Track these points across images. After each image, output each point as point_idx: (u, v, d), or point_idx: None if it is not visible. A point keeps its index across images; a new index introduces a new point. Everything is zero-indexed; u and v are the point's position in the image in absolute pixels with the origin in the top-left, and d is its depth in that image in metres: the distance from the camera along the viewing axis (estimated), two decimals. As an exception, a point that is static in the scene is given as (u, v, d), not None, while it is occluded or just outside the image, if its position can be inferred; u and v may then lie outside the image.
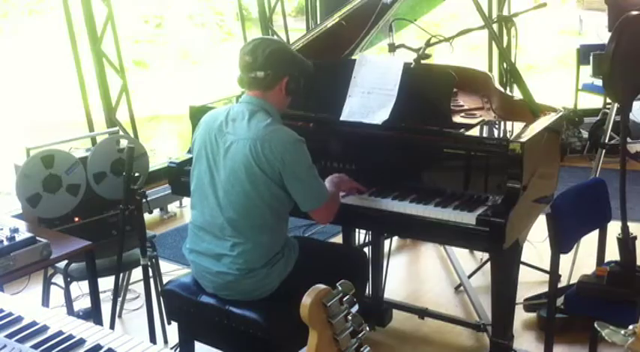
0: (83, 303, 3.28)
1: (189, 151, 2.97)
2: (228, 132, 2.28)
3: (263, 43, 2.29)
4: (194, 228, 2.39)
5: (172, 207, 4.97)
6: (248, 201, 2.23)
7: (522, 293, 3.23)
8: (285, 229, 2.39)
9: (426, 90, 2.58)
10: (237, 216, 2.25)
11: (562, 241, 2.38)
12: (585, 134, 5.76)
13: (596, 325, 1.51)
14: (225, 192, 2.26)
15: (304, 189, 2.27)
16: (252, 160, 2.19)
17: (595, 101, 5.92)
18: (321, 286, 1.25)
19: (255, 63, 2.26)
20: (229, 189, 2.25)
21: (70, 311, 2.93)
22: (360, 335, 1.30)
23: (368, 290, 2.99)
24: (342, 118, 2.61)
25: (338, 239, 4.03)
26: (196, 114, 2.92)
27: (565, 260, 2.74)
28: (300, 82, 2.36)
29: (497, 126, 2.67)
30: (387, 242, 3.19)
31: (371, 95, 2.59)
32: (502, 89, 2.91)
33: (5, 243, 2.25)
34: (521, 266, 2.67)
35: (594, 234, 2.63)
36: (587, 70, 5.67)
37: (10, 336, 1.45)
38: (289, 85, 2.32)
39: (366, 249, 3.04)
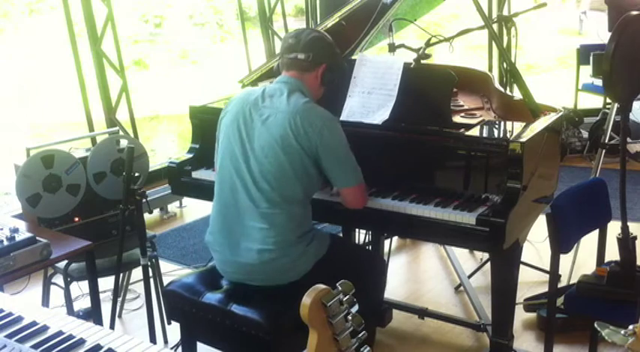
0: (83, 303, 3.28)
1: (190, 151, 2.97)
2: (265, 107, 2.32)
3: (308, 29, 2.42)
4: (222, 208, 2.37)
5: (172, 207, 4.96)
6: (281, 173, 2.26)
7: (522, 293, 3.23)
8: (310, 211, 2.40)
9: (426, 90, 2.58)
10: (270, 188, 2.27)
11: (562, 241, 2.38)
12: (585, 134, 5.76)
13: (596, 325, 1.51)
14: (259, 164, 2.28)
15: (340, 166, 2.31)
16: (291, 132, 2.23)
17: (595, 101, 5.91)
18: (321, 286, 1.25)
19: (297, 45, 2.35)
20: (263, 161, 2.27)
21: (70, 311, 2.93)
22: (360, 335, 1.30)
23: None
24: (341, 118, 2.61)
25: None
26: (196, 114, 2.92)
27: (565, 260, 2.74)
28: (334, 75, 2.42)
29: (497, 126, 2.67)
30: (387, 242, 3.19)
31: (371, 95, 2.59)
32: (502, 89, 2.91)
33: (5, 243, 2.25)
34: (521, 266, 2.67)
35: (594, 234, 2.63)
36: (587, 70, 5.68)
37: (10, 336, 1.45)
38: (325, 74, 2.38)
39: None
